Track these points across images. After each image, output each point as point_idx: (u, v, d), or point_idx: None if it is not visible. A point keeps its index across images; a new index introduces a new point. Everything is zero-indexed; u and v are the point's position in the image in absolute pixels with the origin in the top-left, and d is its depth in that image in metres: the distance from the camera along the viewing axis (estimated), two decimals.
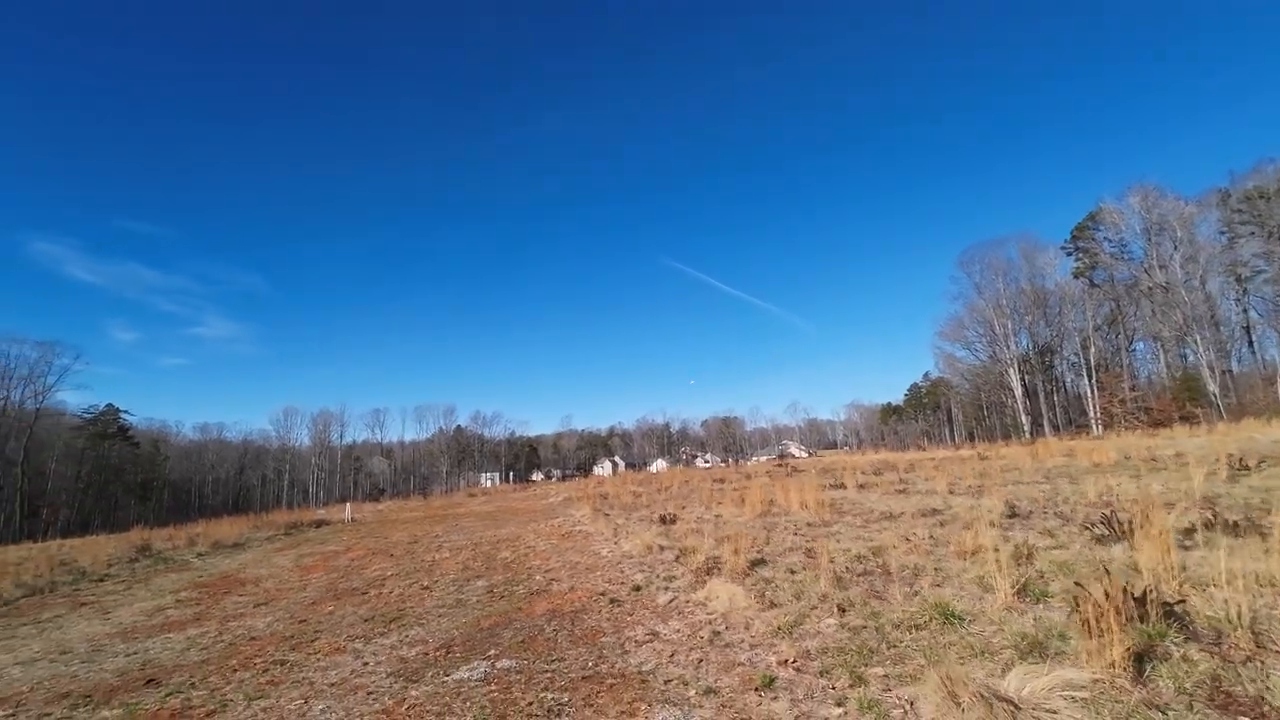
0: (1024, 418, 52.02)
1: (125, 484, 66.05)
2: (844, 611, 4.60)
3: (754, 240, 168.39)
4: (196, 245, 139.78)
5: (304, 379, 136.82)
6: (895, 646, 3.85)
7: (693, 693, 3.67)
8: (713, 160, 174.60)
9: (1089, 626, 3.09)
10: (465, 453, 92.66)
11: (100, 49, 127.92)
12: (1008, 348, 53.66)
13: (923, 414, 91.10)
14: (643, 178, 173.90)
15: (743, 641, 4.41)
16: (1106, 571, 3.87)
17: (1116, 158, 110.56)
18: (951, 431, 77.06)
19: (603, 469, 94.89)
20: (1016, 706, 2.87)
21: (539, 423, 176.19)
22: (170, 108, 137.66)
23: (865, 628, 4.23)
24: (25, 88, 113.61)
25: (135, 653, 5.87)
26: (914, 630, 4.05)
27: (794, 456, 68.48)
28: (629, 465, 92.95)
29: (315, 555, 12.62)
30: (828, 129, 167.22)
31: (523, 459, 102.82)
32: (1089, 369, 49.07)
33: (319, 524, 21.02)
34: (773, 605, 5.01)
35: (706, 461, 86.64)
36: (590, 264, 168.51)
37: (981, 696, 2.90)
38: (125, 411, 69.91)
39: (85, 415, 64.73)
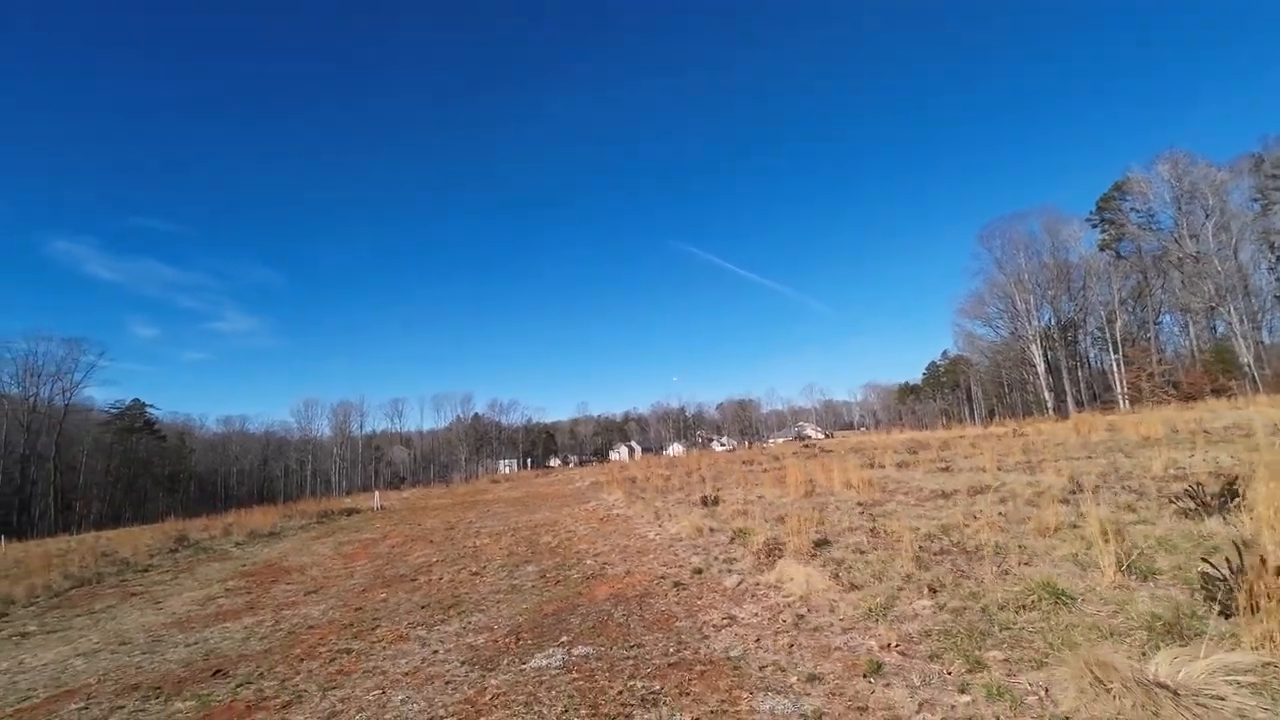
0: (1047, 394, 51.08)
1: (154, 477, 67.36)
2: (935, 592, 4.38)
3: (768, 223, 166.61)
4: (212, 241, 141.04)
5: (322, 371, 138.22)
6: (1008, 629, 3.62)
7: (794, 679, 3.47)
8: (723, 144, 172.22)
9: (1250, 605, 2.83)
10: (483, 440, 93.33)
11: (114, 49, 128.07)
12: (1030, 323, 52.58)
13: (941, 393, 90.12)
14: (653, 164, 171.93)
15: (831, 625, 4.20)
16: (1237, 547, 3.60)
17: (1142, 127, 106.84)
18: (971, 410, 76.06)
19: (619, 454, 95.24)
20: (1175, 693, 2.63)
21: (555, 409, 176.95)
22: (182, 106, 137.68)
23: (966, 609, 4.00)
24: (39, 88, 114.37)
25: (195, 643, 5.82)
26: (1022, 611, 3.82)
27: (810, 438, 68.08)
28: (645, 450, 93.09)
29: (354, 543, 12.63)
30: (839, 108, 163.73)
31: (540, 445, 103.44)
32: (1114, 343, 48.02)
33: (349, 512, 21.17)
34: (854, 587, 4.79)
35: (723, 444, 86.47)
36: (602, 250, 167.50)
37: (1136, 683, 2.67)
38: (151, 406, 71.23)
39: (112, 410, 65.98)
